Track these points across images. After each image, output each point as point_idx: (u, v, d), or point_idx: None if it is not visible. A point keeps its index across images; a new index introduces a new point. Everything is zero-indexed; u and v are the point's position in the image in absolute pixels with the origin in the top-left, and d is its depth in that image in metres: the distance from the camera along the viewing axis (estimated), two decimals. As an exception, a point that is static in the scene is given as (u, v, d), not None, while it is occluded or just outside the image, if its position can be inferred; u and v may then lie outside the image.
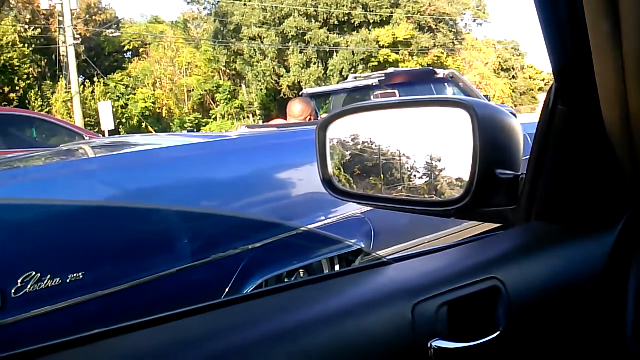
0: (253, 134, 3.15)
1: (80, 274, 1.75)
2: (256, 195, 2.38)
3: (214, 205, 2.26)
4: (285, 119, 4.20)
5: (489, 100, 5.52)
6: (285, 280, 2.34)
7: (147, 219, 2.07)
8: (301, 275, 2.41)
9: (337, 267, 2.52)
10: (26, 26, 25.95)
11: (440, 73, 5.70)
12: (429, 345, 0.62)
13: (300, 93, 6.00)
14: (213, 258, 2.02)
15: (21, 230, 1.79)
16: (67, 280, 1.73)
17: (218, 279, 2.07)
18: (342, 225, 2.51)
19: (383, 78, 5.82)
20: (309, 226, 2.41)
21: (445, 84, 5.74)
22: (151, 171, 2.19)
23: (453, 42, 37.93)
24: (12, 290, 1.66)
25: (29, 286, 1.68)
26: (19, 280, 1.67)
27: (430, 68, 6.59)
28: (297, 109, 4.03)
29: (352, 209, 2.48)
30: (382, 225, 2.61)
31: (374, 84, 5.80)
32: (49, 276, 1.70)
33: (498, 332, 0.66)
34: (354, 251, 2.56)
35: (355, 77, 6.96)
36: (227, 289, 2.04)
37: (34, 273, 1.68)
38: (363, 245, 2.60)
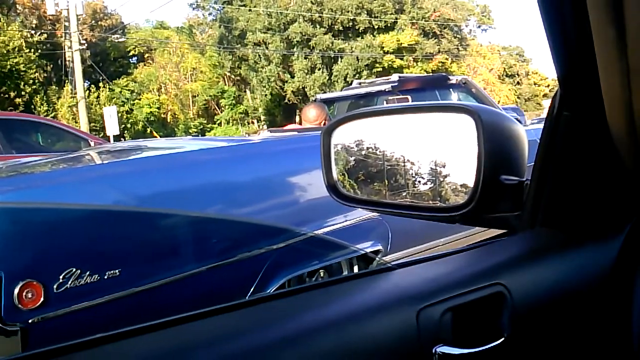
0: (277, 138, 3.26)
1: (117, 271, 1.85)
2: (280, 197, 2.48)
3: (242, 205, 2.36)
4: (292, 124, 4.27)
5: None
6: (307, 280, 2.44)
7: (179, 220, 2.17)
8: (322, 275, 2.51)
9: (355, 268, 2.63)
10: (32, 31, 26.06)
11: (453, 79, 5.69)
12: (433, 351, 0.62)
13: (314, 99, 6.00)
14: (239, 258, 2.11)
15: (63, 229, 1.89)
16: (105, 277, 1.83)
17: (244, 278, 2.17)
18: (361, 227, 2.59)
19: (396, 84, 5.81)
20: (329, 228, 2.49)
21: (458, 89, 5.74)
22: (184, 173, 2.29)
23: (458, 48, 37.91)
24: (55, 286, 1.76)
25: (69, 282, 1.78)
26: (61, 277, 1.76)
27: (444, 74, 6.58)
28: (312, 114, 4.18)
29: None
30: (399, 228, 2.70)
31: (387, 90, 5.80)
32: (88, 273, 1.80)
33: (503, 338, 0.66)
34: (372, 252, 2.67)
35: (360, 84, 6.95)
36: (252, 289, 2.15)
37: (74, 269, 1.78)
38: (381, 247, 2.70)
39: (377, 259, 2.72)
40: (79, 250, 1.88)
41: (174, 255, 2.06)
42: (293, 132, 3.72)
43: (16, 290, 1.73)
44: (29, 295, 1.75)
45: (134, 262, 1.95)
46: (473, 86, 5.54)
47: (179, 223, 2.18)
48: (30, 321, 1.75)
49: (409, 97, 5.82)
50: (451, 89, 5.80)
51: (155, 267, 1.99)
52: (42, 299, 1.75)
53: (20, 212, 1.90)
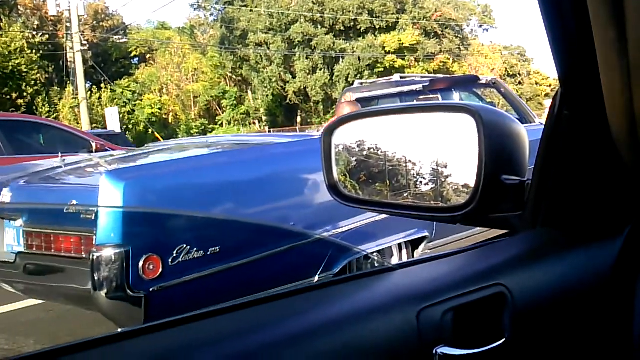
0: None
1: (217, 248, 2.20)
2: None
3: (314, 192, 2.66)
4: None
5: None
6: (363, 262, 2.84)
7: (264, 205, 2.52)
8: (376, 259, 2.92)
9: (404, 252, 3.06)
10: (34, 32, 26.09)
11: (483, 79, 5.74)
12: (434, 351, 0.62)
13: (342, 100, 6.00)
14: (310, 240, 2.54)
15: (176, 212, 2.26)
16: (208, 253, 2.18)
17: (314, 259, 2.54)
18: None
19: (427, 84, 5.85)
20: (381, 217, 2.71)
21: (488, 89, 5.80)
22: (273, 163, 2.67)
23: (459, 48, 37.92)
24: (170, 260, 2.10)
25: (181, 256, 2.11)
26: (175, 252, 2.10)
27: (474, 75, 6.63)
28: (347, 112, 4.34)
29: None
30: None
31: (418, 90, 5.84)
32: (195, 249, 2.14)
33: (504, 339, 0.66)
34: (418, 238, 3.04)
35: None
36: (320, 268, 2.51)
37: (184, 245, 2.12)
38: (427, 233, 3.05)
39: (425, 242, 3.08)
40: (188, 229, 2.24)
41: (261, 235, 2.41)
42: None
43: (140, 263, 2.06)
44: (150, 267, 2.09)
45: (230, 241, 2.28)
46: (502, 86, 5.59)
47: (264, 208, 2.50)
48: (151, 289, 2.09)
49: (439, 96, 5.90)
50: (481, 89, 5.87)
51: (246, 245, 2.32)
52: (160, 271, 2.09)
53: (143, 197, 2.24)
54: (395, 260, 3.05)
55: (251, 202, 2.49)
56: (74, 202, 2.38)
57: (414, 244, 3.10)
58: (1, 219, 2.74)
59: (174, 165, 2.68)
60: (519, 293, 0.68)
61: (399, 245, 3.02)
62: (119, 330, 0.59)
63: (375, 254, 2.84)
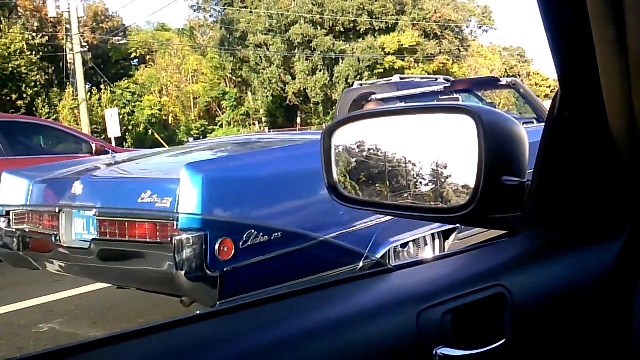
0: None
1: (279, 233, 2.47)
2: None
3: None
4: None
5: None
6: (401, 250, 3.11)
7: (317, 196, 2.73)
8: (410, 246, 3.18)
9: (436, 242, 3.32)
10: (34, 34, 26.07)
11: (503, 80, 5.82)
12: (434, 352, 0.62)
13: (369, 98, 6.03)
14: (357, 227, 2.79)
15: (246, 200, 2.54)
16: (272, 238, 2.44)
17: (359, 245, 2.83)
18: None
19: (448, 85, 5.89)
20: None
21: (508, 90, 5.87)
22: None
23: (459, 49, 37.94)
24: (240, 243, 2.36)
25: (250, 240, 2.37)
26: (244, 236, 2.36)
27: (494, 76, 6.74)
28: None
29: None
30: None
31: (439, 90, 5.89)
32: (261, 233, 2.41)
33: (503, 340, 0.66)
34: (449, 229, 3.30)
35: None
36: (366, 251, 2.83)
37: (252, 230, 2.38)
38: (457, 224, 3.21)
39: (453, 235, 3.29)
40: (255, 215, 2.51)
41: (316, 223, 2.68)
42: None
43: (216, 245, 2.31)
44: (224, 249, 2.33)
45: (289, 227, 2.57)
46: (521, 87, 5.67)
47: (317, 198, 2.72)
48: (225, 269, 2.33)
49: (460, 97, 6.01)
50: (501, 90, 5.97)
51: (303, 231, 2.60)
52: (232, 252, 2.34)
53: (219, 186, 2.46)
54: (429, 250, 3.33)
55: (307, 193, 2.74)
56: (149, 192, 2.61)
57: (445, 234, 3.33)
58: (69, 209, 2.95)
59: (243, 158, 3.05)
60: (518, 293, 0.68)
61: (432, 235, 3.25)
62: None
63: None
